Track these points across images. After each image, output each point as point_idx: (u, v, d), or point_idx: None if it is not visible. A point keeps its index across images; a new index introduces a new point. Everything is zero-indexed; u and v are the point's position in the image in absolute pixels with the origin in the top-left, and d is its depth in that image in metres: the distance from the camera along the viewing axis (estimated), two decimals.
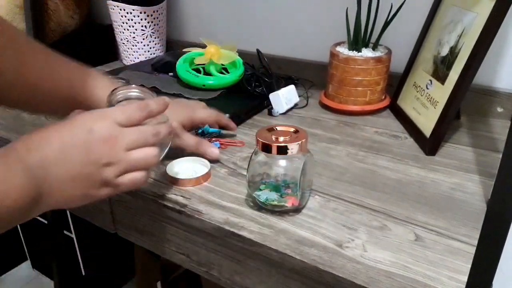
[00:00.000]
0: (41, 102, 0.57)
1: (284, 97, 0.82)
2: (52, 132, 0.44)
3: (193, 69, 0.90)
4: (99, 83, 0.60)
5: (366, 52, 0.80)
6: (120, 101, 0.52)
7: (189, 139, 0.63)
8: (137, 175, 0.47)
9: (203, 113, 0.69)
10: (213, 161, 0.64)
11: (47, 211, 1.21)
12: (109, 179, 0.45)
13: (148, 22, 1.08)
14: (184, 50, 0.93)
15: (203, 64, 0.90)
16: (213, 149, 0.64)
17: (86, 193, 0.45)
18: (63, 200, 0.45)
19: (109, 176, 0.45)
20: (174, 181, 0.59)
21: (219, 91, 0.86)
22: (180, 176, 0.60)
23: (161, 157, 0.51)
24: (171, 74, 0.95)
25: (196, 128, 0.70)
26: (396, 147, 0.70)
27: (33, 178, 0.41)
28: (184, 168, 0.63)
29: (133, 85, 0.54)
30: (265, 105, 0.84)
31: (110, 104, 0.52)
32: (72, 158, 0.43)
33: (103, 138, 0.44)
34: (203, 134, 0.70)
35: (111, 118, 0.45)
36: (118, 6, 1.06)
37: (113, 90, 0.53)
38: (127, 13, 1.06)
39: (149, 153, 0.47)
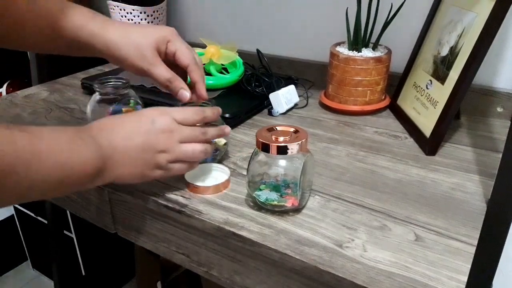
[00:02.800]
0: (26, 35, 0.62)
1: (284, 97, 0.82)
2: (122, 119, 0.53)
3: None
4: (76, 11, 0.62)
5: (366, 52, 0.80)
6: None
7: (162, 70, 0.61)
8: (184, 165, 0.55)
9: (178, 46, 0.64)
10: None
11: (48, 210, 1.21)
12: (162, 163, 0.53)
13: (148, 22, 1.08)
14: None
15: (203, 64, 0.90)
16: (185, 92, 0.62)
17: (142, 172, 0.53)
18: (122, 176, 0.52)
19: (163, 161, 0.53)
20: (192, 189, 0.58)
21: (219, 91, 0.86)
22: (199, 183, 0.59)
23: (214, 157, 0.62)
24: None
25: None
26: (396, 147, 0.70)
27: (101, 153, 0.49)
28: (203, 174, 0.61)
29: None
30: (265, 105, 0.84)
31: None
32: (135, 142, 0.51)
33: (162, 129, 0.52)
34: None
35: (171, 115, 0.54)
36: (118, 6, 1.06)
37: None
38: (127, 13, 1.06)
39: (197, 148, 0.55)
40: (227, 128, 0.60)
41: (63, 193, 0.51)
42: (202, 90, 0.64)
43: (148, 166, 0.52)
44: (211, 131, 0.57)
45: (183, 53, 0.63)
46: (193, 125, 0.56)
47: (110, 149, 0.50)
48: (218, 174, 0.61)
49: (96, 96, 0.71)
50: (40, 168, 0.43)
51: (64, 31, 0.61)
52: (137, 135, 0.51)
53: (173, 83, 0.62)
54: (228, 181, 0.59)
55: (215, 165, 0.63)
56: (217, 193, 0.58)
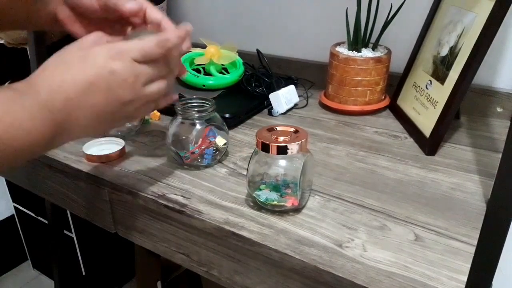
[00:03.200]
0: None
1: (284, 97, 0.82)
2: (74, 70, 0.45)
3: (193, 69, 0.90)
4: None
5: (366, 52, 0.80)
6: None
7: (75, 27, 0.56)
8: (152, 105, 0.52)
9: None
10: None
11: (48, 210, 1.21)
12: (130, 113, 0.49)
13: None
14: None
15: (203, 64, 0.90)
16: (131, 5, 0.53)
17: (108, 127, 0.50)
18: (85, 134, 0.48)
19: (130, 111, 0.49)
20: (87, 157, 0.65)
21: (219, 91, 0.86)
22: (93, 153, 0.65)
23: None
24: None
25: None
26: (396, 147, 0.70)
27: (52, 120, 0.42)
28: (100, 145, 0.68)
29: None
30: (265, 105, 0.84)
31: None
32: (96, 98, 0.45)
33: (124, 78, 0.46)
34: None
35: (129, 56, 0.46)
36: None
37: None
38: None
39: (162, 86, 0.50)
40: (187, 43, 0.52)
41: (15, 163, 0.42)
42: (169, 24, 0.53)
43: (114, 120, 0.48)
44: (174, 60, 0.51)
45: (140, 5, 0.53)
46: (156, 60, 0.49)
47: (64, 113, 0.43)
48: (112, 146, 0.68)
49: (178, 119, 0.64)
50: None
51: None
52: (97, 91, 0.45)
53: (134, 10, 0.53)
54: (121, 151, 0.66)
55: (111, 138, 0.69)
56: (109, 161, 0.65)
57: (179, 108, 0.62)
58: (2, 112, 0.39)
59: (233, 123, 0.77)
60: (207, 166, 0.64)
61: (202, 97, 0.65)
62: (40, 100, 0.42)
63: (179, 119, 0.63)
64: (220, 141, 0.64)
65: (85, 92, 0.44)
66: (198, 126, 0.62)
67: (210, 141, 0.62)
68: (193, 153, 0.62)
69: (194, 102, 0.65)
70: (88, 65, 0.45)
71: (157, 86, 0.49)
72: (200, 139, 0.62)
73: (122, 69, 0.46)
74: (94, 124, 0.47)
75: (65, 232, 1.30)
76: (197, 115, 0.62)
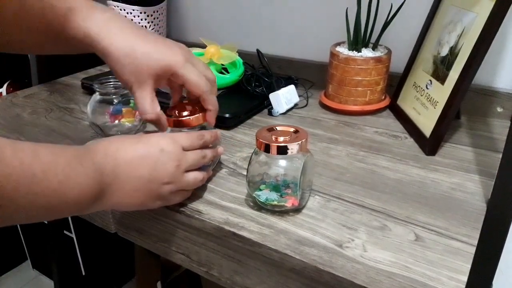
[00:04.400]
0: (23, 38, 0.57)
1: (284, 97, 0.82)
2: (128, 143, 0.49)
3: None
4: (80, 11, 0.55)
5: (366, 52, 0.80)
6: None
7: (145, 103, 0.54)
8: (185, 193, 0.55)
9: (190, 76, 0.55)
10: None
11: None
12: (165, 195, 0.51)
13: (148, 22, 1.08)
14: None
15: None
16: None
17: (143, 202, 0.50)
18: (121, 204, 0.49)
19: (166, 193, 0.51)
20: None
21: (219, 91, 0.86)
22: None
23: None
24: None
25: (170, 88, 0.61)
26: (396, 147, 0.70)
27: (100, 181, 0.45)
28: None
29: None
30: (265, 105, 0.84)
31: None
32: (141, 171, 0.48)
33: (171, 159, 0.50)
34: None
35: (179, 143, 0.52)
36: (118, 6, 1.06)
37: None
38: (127, 13, 1.06)
39: (198, 177, 0.54)
40: (221, 149, 0.59)
41: (54, 217, 0.44)
42: (211, 118, 0.59)
43: (151, 197, 0.50)
44: (209, 154, 0.56)
45: (193, 85, 0.56)
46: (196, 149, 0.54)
47: (112, 177, 0.46)
48: None
49: (96, 96, 0.71)
50: (30, 193, 0.38)
51: (65, 32, 0.55)
52: (144, 165, 0.48)
53: (153, 121, 0.56)
54: None
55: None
56: None
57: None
58: (64, 164, 0.42)
59: (233, 123, 0.77)
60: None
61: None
62: (95, 162, 0.45)
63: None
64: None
65: (134, 163, 0.48)
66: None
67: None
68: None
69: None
70: (141, 142, 0.50)
71: (194, 176, 0.53)
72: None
73: (171, 151, 0.50)
74: (133, 196, 0.49)
75: (65, 232, 1.30)
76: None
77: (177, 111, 0.59)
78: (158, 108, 0.56)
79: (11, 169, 0.37)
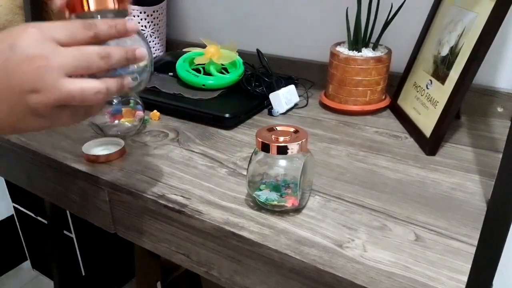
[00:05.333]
0: None
1: (284, 97, 0.82)
2: None
3: (193, 69, 0.90)
4: None
5: (366, 52, 0.80)
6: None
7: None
8: (77, 112, 0.39)
9: None
10: None
11: (48, 210, 1.21)
12: (38, 108, 0.37)
13: (148, 22, 1.08)
14: (184, 50, 0.93)
15: (203, 64, 0.90)
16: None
17: (15, 121, 0.38)
18: None
19: (38, 106, 0.36)
20: (86, 157, 0.65)
21: (219, 91, 0.86)
22: (93, 153, 0.65)
23: (132, 90, 0.41)
24: (171, 74, 0.95)
25: None
26: (396, 147, 0.70)
27: None
28: (100, 145, 0.69)
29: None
30: (265, 105, 0.84)
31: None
32: None
33: (27, 57, 0.35)
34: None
35: (44, 33, 0.36)
36: None
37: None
38: None
39: (89, 86, 0.37)
40: (141, 50, 0.40)
41: None
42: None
43: (19, 111, 0.37)
44: (116, 54, 0.38)
45: None
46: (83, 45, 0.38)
47: None
48: (112, 146, 0.68)
49: None
50: None
51: None
52: None
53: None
54: (121, 151, 0.66)
55: (111, 138, 0.69)
56: (108, 161, 0.65)
57: None
58: None
59: (233, 123, 0.77)
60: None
61: None
62: None
63: None
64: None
65: None
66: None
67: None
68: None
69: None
70: None
71: (80, 86, 0.37)
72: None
73: (28, 45, 0.35)
74: None
75: (65, 232, 1.29)
76: None
77: None
78: None
79: None
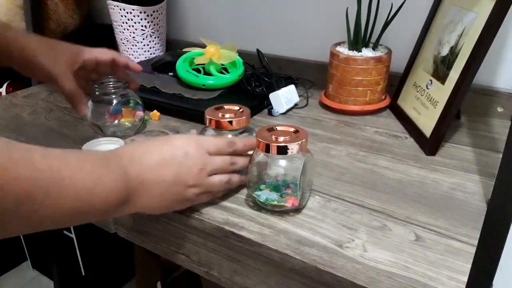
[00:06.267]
0: None
1: (284, 97, 0.82)
2: (153, 147, 0.50)
3: (193, 69, 0.90)
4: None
5: (366, 52, 0.80)
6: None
7: (69, 81, 0.65)
8: (210, 195, 0.54)
9: (95, 51, 0.68)
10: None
11: None
12: (190, 197, 0.51)
13: (148, 22, 1.08)
14: (184, 50, 0.93)
15: (203, 64, 0.90)
16: (85, 107, 0.68)
17: (169, 205, 0.51)
18: (147, 208, 0.50)
19: (191, 195, 0.51)
20: None
21: (219, 91, 0.86)
22: None
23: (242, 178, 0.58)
24: (171, 74, 0.95)
25: (94, 77, 0.72)
26: (396, 147, 0.70)
27: (127, 185, 0.46)
28: (99, 145, 0.68)
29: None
30: (265, 105, 0.84)
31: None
32: (166, 174, 0.49)
33: (195, 163, 0.50)
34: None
35: (205, 148, 0.52)
36: (118, 6, 1.06)
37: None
38: (127, 13, 1.06)
39: (222, 179, 0.54)
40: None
41: (81, 222, 0.45)
42: (134, 65, 0.72)
43: (177, 199, 0.51)
44: (240, 162, 0.55)
45: (103, 52, 0.69)
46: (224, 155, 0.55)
47: (138, 180, 0.47)
48: (112, 146, 0.67)
49: (96, 96, 0.71)
50: (59, 197, 0.39)
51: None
52: (168, 168, 0.49)
53: (75, 96, 0.66)
54: None
55: (112, 138, 0.69)
56: None
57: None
58: (90, 168, 0.42)
59: None
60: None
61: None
62: (121, 166, 0.46)
63: (210, 131, 0.62)
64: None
65: (159, 167, 0.48)
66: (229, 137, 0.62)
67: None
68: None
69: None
70: (167, 146, 0.51)
71: (219, 179, 0.53)
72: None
73: (195, 155, 0.51)
74: (159, 200, 0.49)
75: (65, 232, 1.29)
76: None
77: (220, 113, 0.60)
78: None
79: (40, 173, 0.37)
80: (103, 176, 0.43)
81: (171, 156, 0.49)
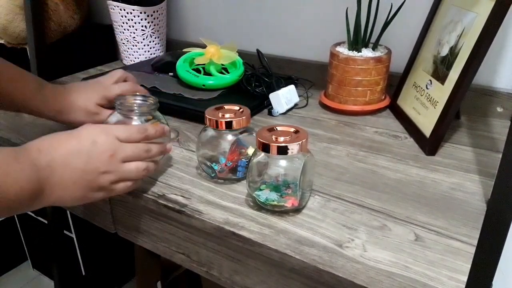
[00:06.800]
0: None
1: (284, 97, 0.82)
2: (62, 139, 0.51)
3: (193, 69, 0.90)
4: (26, 80, 0.69)
5: (366, 52, 0.80)
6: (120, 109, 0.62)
7: (106, 115, 0.69)
8: (128, 183, 0.54)
9: (117, 88, 0.72)
10: None
11: (48, 210, 1.21)
12: (104, 185, 0.52)
13: (148, 22, 1.08)
14: (184, 50, 0.93)
15: (203, 64, 0.90)
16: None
17: (84, 195, 0.52)
18: (62, 199, 0.51)
19: (105, 183, 0.52)
20: None
21: (219, 91, 0.86)
22: None
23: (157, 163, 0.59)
24: (171, 74, 0.95)
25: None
26: (396, 147, 0.70)
27: (38, 176, 0.47)
28: None
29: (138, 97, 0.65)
30: (265, 105, 0.84)
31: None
32: (76, 164, 0.50)
33: (104, 150, 0.51)
34: None
35: (114, 134, 0.53)
36: (118, 6, 1.06)
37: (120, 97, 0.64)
38: (127, 13, 1.06)
39: (140, 166, 0.54)
40: (169, 145, 0.60)
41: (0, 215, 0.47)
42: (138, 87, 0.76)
43: (90, 188, 0.51)
44: (155, 148, 0.56)
45: (124, 89, 0.72)
46: (136, 142, 0.55)
47: (48, 171, 0.48)
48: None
49: (116, 115, 0.64)
50: None
51: (14, 100, 0.66)
52: (77, 157, 0.50)
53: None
54: None
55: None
56: None
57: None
58: (0, 161, 0.44)
59: None
60: (239, 180, 0.60)
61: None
62: (30, 158, 0.47)
63: (210, 131, 0.59)
64: (251, 151, 0.59)
65: (68, 156, 0.49)
66: (229, 138, 0.58)
67: (241, 152, 0.59)
68: (226, 165, 0.58)
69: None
70: (73, 137, 0.52)
71: (135, 166, 0.54)
72: (229, 151, 0.59)
73: (103, 142, 0.51)
74: (73, 189, 0.50)
75: (65, 232, 1.29)
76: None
77: (220, 113, 0.59)
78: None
79: None
80: (13, 168, 0.45)
81: (79, 146, 0.50)
